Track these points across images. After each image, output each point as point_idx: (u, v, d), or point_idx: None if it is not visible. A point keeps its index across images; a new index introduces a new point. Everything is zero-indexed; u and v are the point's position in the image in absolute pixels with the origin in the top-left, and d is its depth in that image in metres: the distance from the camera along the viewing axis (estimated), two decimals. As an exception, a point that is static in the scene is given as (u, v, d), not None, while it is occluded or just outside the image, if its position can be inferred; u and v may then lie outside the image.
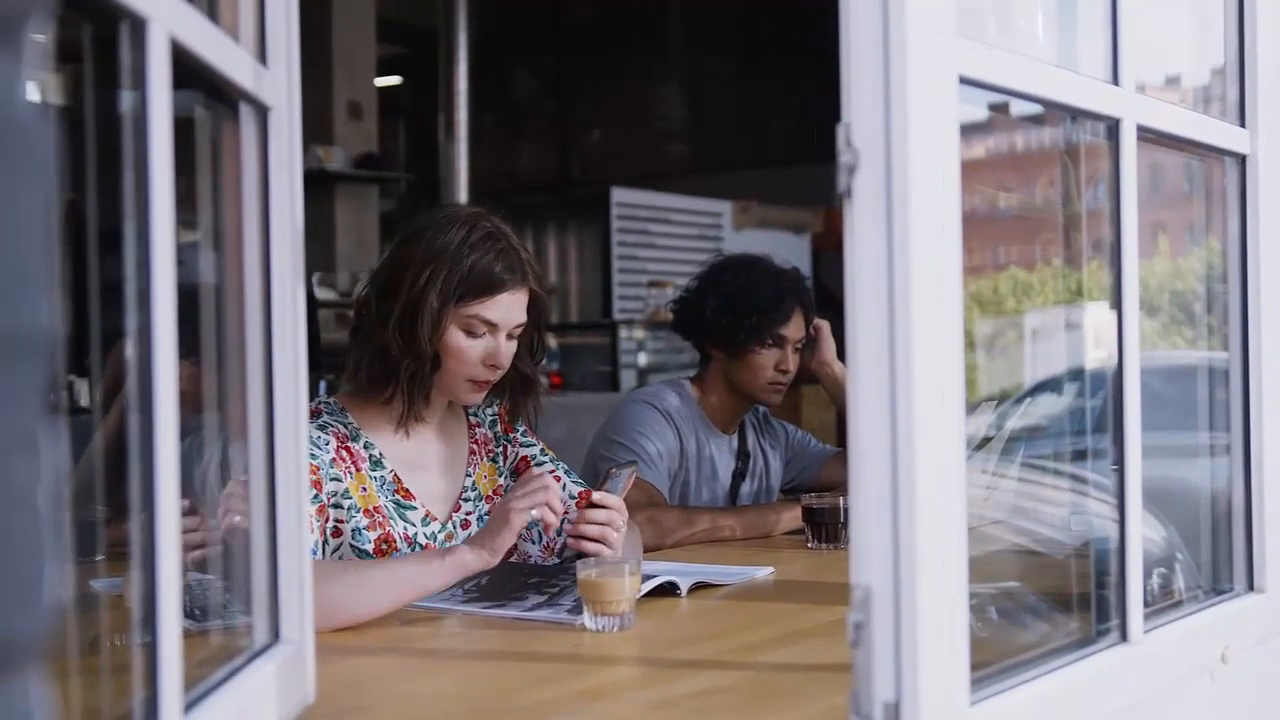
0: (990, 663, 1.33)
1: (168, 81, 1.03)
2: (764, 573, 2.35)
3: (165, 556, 1.01)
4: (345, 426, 2.22)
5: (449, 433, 2.35)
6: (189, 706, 1.09)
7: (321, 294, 6.72)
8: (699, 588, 2.18)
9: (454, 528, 2.29)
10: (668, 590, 2.11)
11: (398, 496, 2.22)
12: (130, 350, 1.02)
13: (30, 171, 0.57)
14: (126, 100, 1.02)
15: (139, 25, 1.00)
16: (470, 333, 2.19)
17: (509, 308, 2.21)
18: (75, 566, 1.22)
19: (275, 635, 1.37)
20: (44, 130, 0.58)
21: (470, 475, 2.35)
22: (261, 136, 1.36)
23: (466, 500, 2.33)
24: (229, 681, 1.22)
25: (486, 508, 2.34)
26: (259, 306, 1.36)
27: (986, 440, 2.17)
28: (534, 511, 1.99)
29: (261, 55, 1.35)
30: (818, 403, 6.68)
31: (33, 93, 0.58)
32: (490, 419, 2.42)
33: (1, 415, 0.55)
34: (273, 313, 1.36)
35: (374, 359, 2.21)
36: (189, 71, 1.12)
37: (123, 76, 1.02)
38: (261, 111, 1.35)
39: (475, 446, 2.38)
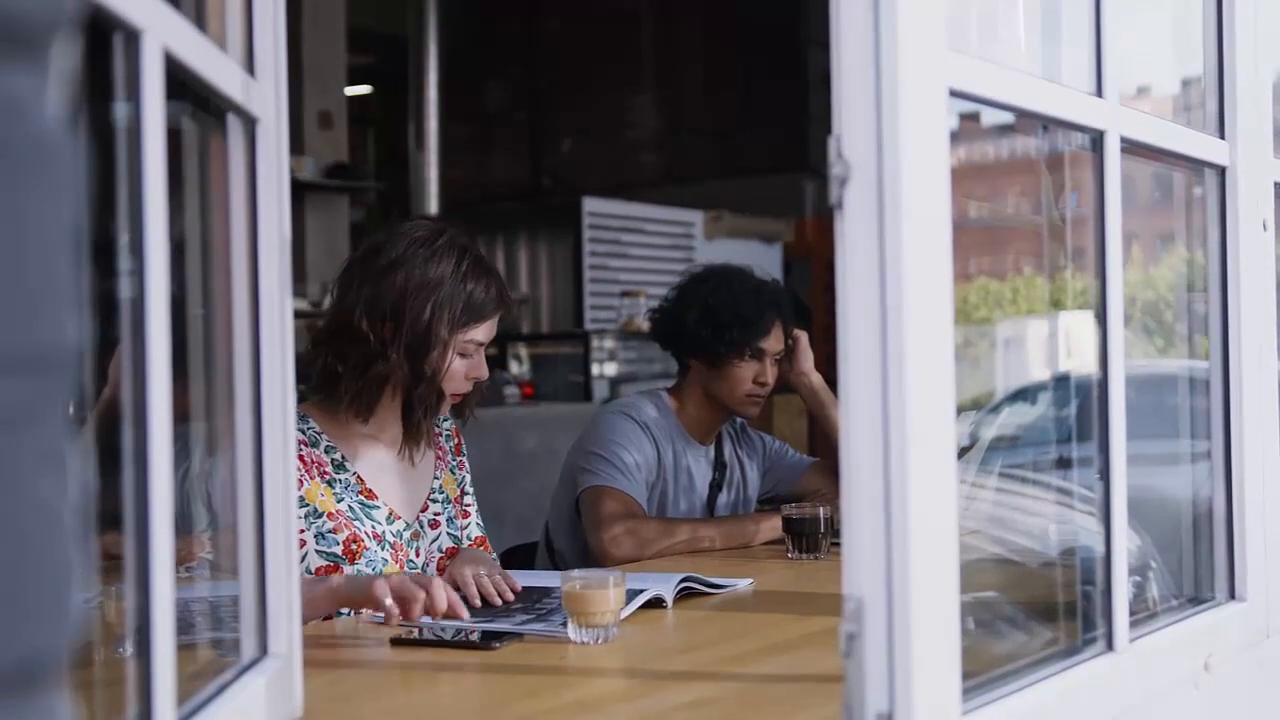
0: (979, 672, 1.33)
1: (161, 92, 1.02)
2: (744, 584, 2.35)
3: (159, 571, 1.00)
4: (304, 432, 2.25)
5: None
6: (181, 722, 1.09)
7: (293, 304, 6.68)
8: (685, 595, 2.18)
9: (421, 526, 2.37)
10: (653, 602, 2.11)
11: (361, 497, 2.28)
12: (124, 361, 1.01)
13: (57, 187, 0.57)
14: (119, 110, 1.01)
15: (133, 37, 0.99)
16: (463, 355, 2.29)
17: (494, 326, 2.34)
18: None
19: (263, 650, 1.36)
20: (70, 145, 0.58)
21: (438, 478, 2.43)
22: (249, 148, 1.35)
23: (435, 501, 2.41)
24: (219, 696, 1.22)
25: (453, 510, 2.44)
26: (246, 319, 1.35)
27: (964, 450, 2.18)
28: (388, 600, 1.89)
29: (250, 67, 1.35)
30: (789, 412, 6.70)
31: (59, 107, 0.58)
32: (446, 433, 2.51)
33: (29, 432, 0.55)
34: (260, 325, 1.36)
35: (375, 386, 2.25)
36: (178, 82, 1.11)
37: (115, 87, 1.01)
38: (249, 123, 1.34)
39: (440, 452, 2.47)
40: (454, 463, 2.50)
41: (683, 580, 2.19)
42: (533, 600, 2.13)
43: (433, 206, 8.42)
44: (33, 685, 0.55)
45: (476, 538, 2.46)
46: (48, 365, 0.56)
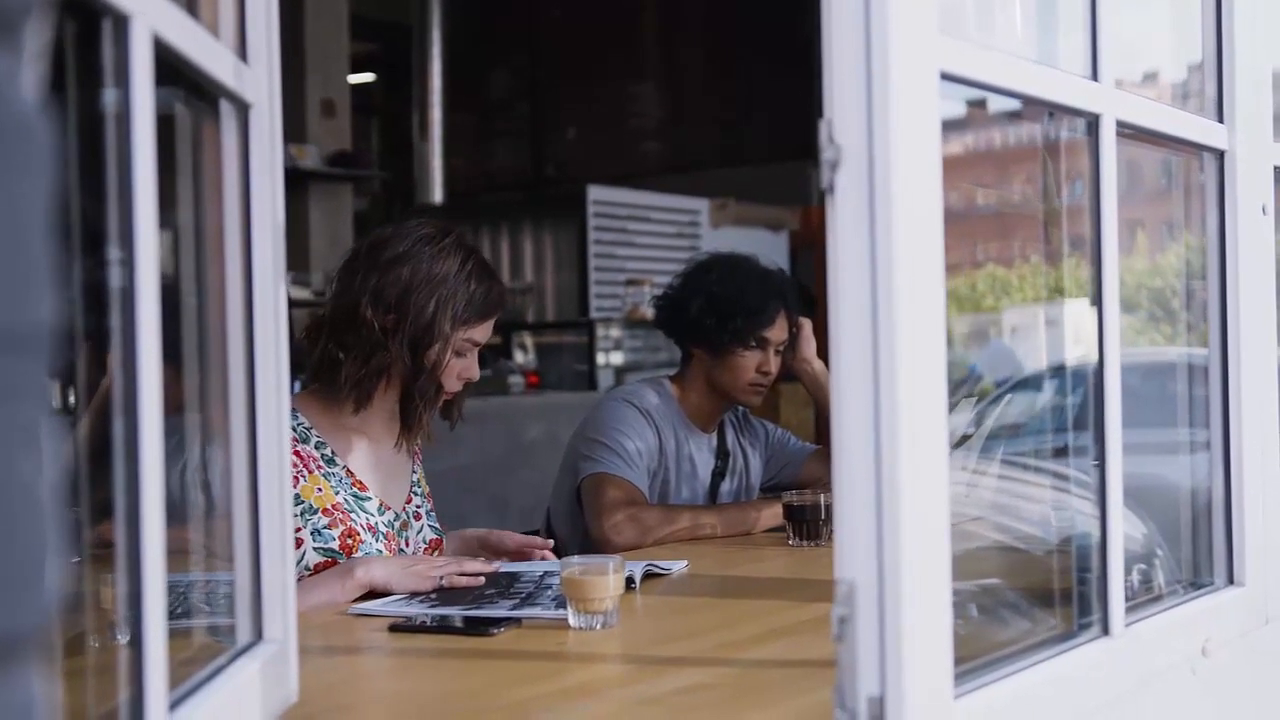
0: (974, 657, 1.33)
1: (150, 78, 1.02)
2: (679, 566, 2.38)
3: (150, 557, 1.01)
4: (294, 429, 2.26)
5: (394, 433, 2.43)
6: (173, 705, 1.09)
7: (295, 293, 6.70)
8: (649, 577, 2.23)
9: (408, 517, 2.42)
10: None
11: (354, 489, 2.31)
12: (113, 351, 1.01)
13: (31, 168, 0.57)
14: (108, 97, 1.01)
15: (121, 22, 0.99)
16: (458, 353, 2.33)
17: (490, 328, 2.38)
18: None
19: (258, 634, 1.37)
20: (43, 127, 0.59)
21: (415, 473, 2.48)
22: (242, 134, 1.35)
23: (416, 494, 2.46)
24: (213, 680, 1.22)
25: (430, 505, 2.49)
26: (240, 306, 1.35)
27: (966, 437, 2.18)
28: (443, 581, 2.13)
29: (242, 52, 1.35)
30: (795, 401, 6.70)
31: (32, 89, 0.58)
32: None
33: (6, 409, 0.56)
34: (254, 313, 1.36)
35: (374, 376, 2.28)
36: (169, 68, 1.11)
37: (105, 73, 1.01)
38: (243, 109, 1.34)
39: (417, 449, 2.51)
40: (422, 460, 2.55)
41: (646, 565, 2.25)
42: (506, 586, 2.14)
43: (436, 195, 8.43)
44: (6, 661, 0.55)
45: (432, 539, 2.47)
46: (22, 344, 0.56)
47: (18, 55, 0.57)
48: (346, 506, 2.28)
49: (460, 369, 2.34)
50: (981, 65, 1.33)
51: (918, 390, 1.18)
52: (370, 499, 2.33)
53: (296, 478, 2.22)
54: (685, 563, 2.41)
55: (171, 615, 1.11)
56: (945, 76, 1.24)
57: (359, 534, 2.26)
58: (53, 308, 0.59)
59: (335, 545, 2.24)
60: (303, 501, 2.22)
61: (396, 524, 2.37)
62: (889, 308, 1.15)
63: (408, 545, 2.38)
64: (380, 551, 2.28)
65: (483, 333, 2.35)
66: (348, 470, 2.32)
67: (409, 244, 2.29)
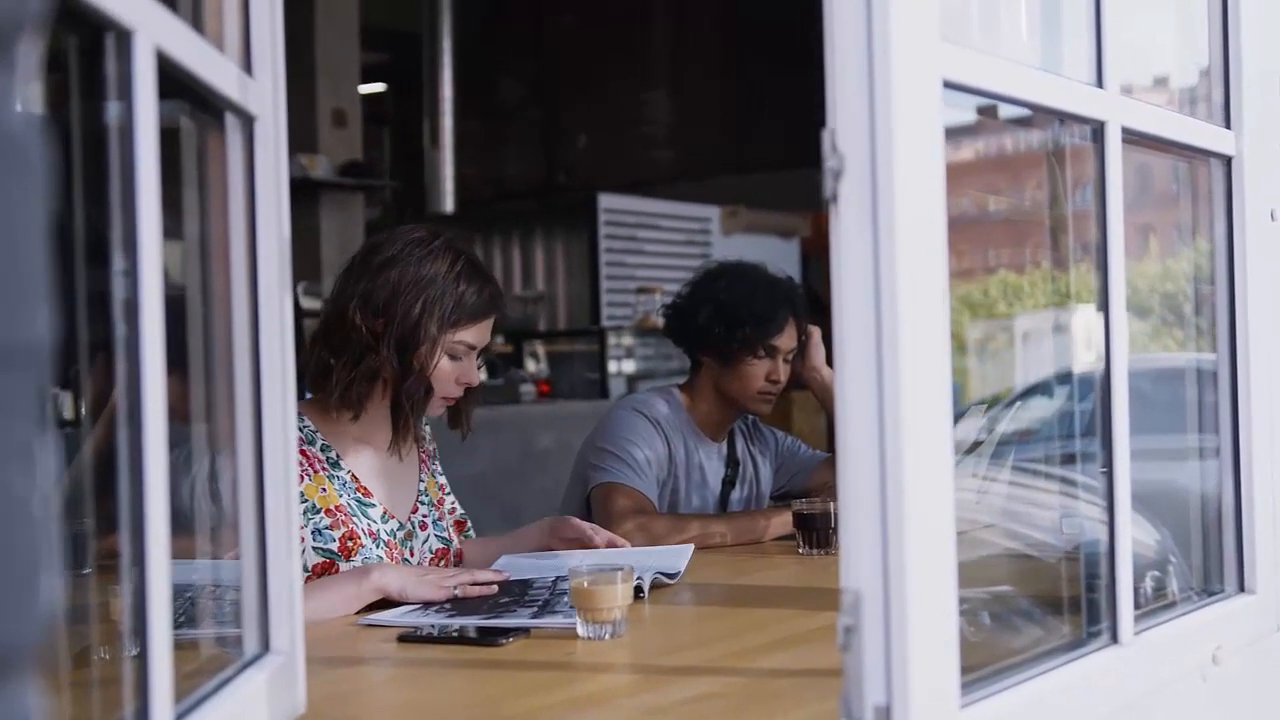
0: (981, 665, 1.33)
1: (154, 92, 1.03)
2: (685, 553, 2.41)
3: (154, 570, 1.01)
4: (300, 431, 2.27)
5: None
6: (179, 717, 1.09)
7: (307, 303, 6.70)
8: (656, 587, 2.22)
9: (413, 527, 2.41)
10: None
11: (358, 495, 2.32)
12: (118, 362, 1.01)
13: (26, 182, 0.57)
14: (112, 110, 1.02)
15: (125, 36, 0.99)
16: (452, 356, 2.32)
17: (487, 331, 2.37)
18: (65, 579, 1.21)
19: (265, 646, 1.37)
20: (38, 141, 0.59)
21: (423, 481, 2.47)
22: (247, 146, 1.35)
23: (422, 503, 2.45)
24: (220, 692, 1.22)
25: (437, 513, 2.47)
26: (246, 317, 1.36)
27: (977, 444, 2.18)
28: (457, 591, 2.13)
29: (247, 65, 1.35)
30: (807, 408, 6.69)
31: (27, 104, 0.58)
32: (427, 436, 2.56)
33: (0, 424, 0.56)
34: (260, 323, 1.36)
35: (364, 380, 2.28)
36: (174, 81, 1.12)
37: (108, 87, 1.01)
38: (247, 121, 1.35)
39: (424, 457, 2.51)
40: (434, 467, 2.54)
41: (652, 581, 2.23)
42: (520, 594, 2.14)
43: (448, 204, 8.44)
44: (2, 675, 0.55)
45: (438, 549, 2.47)
46: (19, 359, 0.56)
47: (11, 70, 0.57)
48: (349, 510, 2.28)
49: (457, 373, 2.33)
50: (984, 73, 1.33)
51: (921, 398, 1.17)
52: (374, 506, 2.33)
53: (301, 476, 2.22)
54: (690, 546, 2.42)
55: (177, 624, 1.11)
56: (948, 84, 1.24)
57: (359, 538, 2.26)
58: (49, 323, 0.59)
59: (335, 547, 2.23)
60: (306, 500, 2.22)
61: (400, 533, 2.36)
62: (893, 315, 1.15)
63: (412, 555, 2.37)
64: (380, 558, 2.28)
65: (475, 335, 2.33)
66: (353, 475, 2.32)
67: (399, 247, 2.30)
